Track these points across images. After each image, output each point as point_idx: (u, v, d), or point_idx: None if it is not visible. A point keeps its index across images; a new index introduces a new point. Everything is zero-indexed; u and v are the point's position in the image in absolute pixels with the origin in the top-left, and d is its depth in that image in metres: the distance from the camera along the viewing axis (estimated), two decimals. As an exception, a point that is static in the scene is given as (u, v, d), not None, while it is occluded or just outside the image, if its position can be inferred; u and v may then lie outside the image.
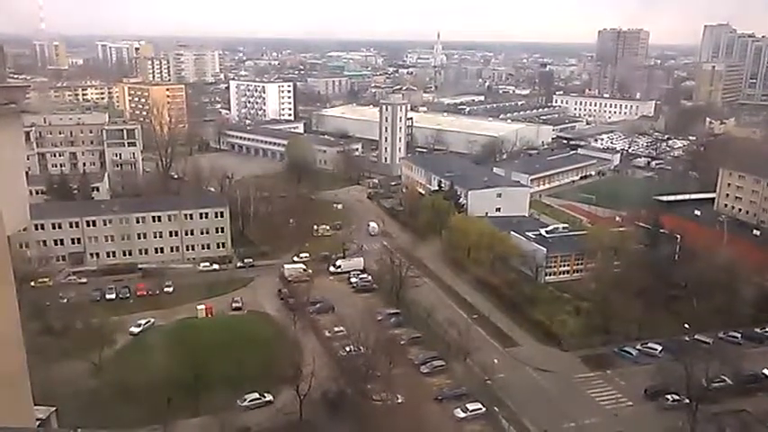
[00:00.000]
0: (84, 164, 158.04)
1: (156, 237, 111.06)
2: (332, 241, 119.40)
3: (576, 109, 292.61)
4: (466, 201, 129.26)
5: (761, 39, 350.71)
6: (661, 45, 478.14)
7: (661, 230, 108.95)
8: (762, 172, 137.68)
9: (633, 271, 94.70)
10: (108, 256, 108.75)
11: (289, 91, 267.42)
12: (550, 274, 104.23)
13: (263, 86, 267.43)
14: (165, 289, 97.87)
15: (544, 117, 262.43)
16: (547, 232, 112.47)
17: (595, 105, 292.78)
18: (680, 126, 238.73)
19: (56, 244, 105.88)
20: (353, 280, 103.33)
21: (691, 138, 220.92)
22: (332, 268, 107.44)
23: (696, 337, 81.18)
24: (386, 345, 71.45)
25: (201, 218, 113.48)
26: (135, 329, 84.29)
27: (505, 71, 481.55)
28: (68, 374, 66.30)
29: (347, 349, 73.81)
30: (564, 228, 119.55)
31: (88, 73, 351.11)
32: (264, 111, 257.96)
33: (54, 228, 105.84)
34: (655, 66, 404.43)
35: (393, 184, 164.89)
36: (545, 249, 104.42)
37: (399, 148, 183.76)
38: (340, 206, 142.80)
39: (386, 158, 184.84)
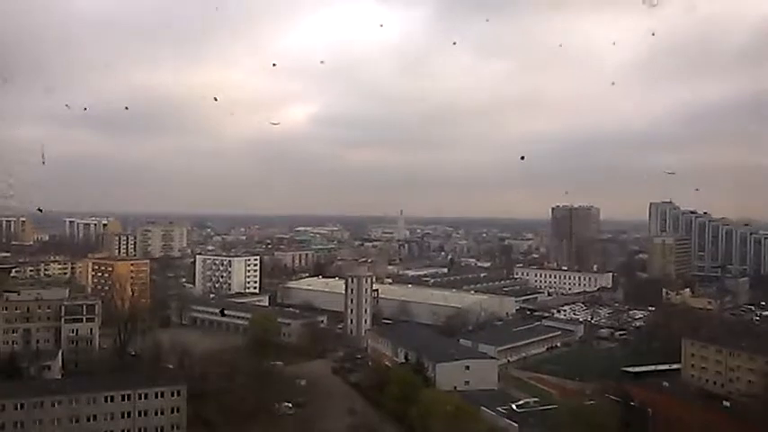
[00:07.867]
0: (38, 341, 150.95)
1: (107, 419, 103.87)
2: (294, 420, 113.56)
3: (536, 281, 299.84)
4: (434, 374, 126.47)
5: (703, 215, 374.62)
6: (612, 220, 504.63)
7: (631, 403, 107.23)
8: (722, 341, 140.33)
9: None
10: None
11: (255, 264, 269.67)
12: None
13: (230, 260, 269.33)
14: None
15: (506, 288, 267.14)
16: (518, 407, 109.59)
17: (555, 277, 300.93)
18: (638, 297, 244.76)
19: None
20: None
21: (650, 308, 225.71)
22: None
23: None
24: None
25: (157, 397, 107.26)
26: None
27: (467, 245, 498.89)
28: None
29: None
30: (534, 401, 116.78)
31: (53, 248, 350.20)
32: (230, 284, 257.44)
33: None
34: (609, 240, 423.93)
35: (359, 356, 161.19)
36: (517, 425, 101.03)
37: (365, 320, 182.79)
38: (303, 382, 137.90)
39: (351, 330, 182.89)
